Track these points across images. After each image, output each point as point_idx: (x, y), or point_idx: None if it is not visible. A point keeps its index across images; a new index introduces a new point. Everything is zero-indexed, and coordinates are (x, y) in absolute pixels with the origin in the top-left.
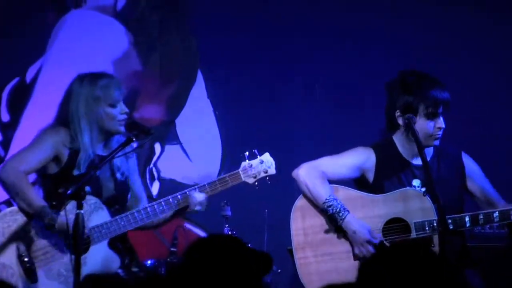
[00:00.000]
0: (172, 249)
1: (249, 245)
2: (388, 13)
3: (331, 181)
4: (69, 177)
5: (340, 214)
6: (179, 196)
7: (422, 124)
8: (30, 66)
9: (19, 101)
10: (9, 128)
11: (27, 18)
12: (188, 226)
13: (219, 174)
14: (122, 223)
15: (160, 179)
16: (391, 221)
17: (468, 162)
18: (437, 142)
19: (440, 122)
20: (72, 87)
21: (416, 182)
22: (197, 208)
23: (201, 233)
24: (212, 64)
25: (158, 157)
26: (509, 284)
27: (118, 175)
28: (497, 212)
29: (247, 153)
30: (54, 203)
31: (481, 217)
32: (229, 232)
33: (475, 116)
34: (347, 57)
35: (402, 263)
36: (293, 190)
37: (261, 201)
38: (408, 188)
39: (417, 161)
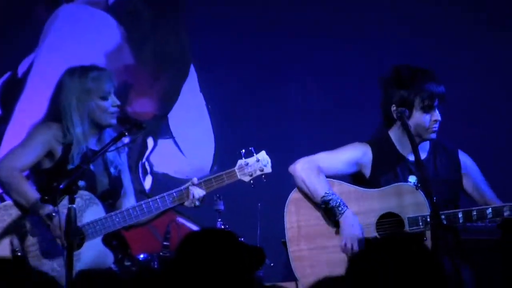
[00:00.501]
0: (165, 243)
1: (242, 239)
2: (386, 10)
3: (327, 176)
4: (63, 171)
5: (340, 209)
6: (174, 194)
7: (418, 118)
8: (22, 61)
9: (11, 96)
10: (1, 123)
11: (19, 13)
12: (181, 220)
13: (211, 168)
14: (117, 219)
15: (153, 173)
16: (385, 215)
17: (465, 160)
18: (433, 135)
19: (436, 115)
20: (63, 81)
21: (412, 178)
22: (197, 203)
23: (194, 227)
24: (204, 58)
25: (151, 152)
26: (499, 277)
27: (111, 170)
28: (490, 209)
29: (243, 150)
30: (46, 197)
31: (474, 213)
32: (222, 226)
33: (474, 115)
34: (344, 53)
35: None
36: (286, 183)
37: (254, 195)
38: (402, 183)
39: (413, 157)
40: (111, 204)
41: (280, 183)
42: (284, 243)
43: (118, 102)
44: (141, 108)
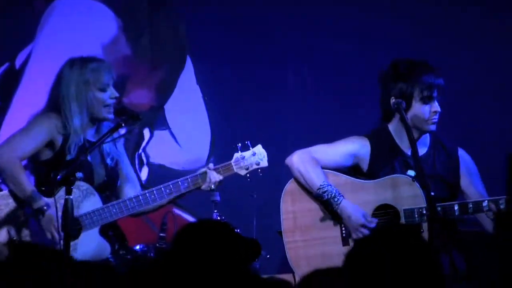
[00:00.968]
0: (161, 234)
1: (238, 230)
2: (383, 6)
3: (324, 169)
4: (61, 163)
5: (335, 199)
6: (170, 185)
7: (418, 109)
8: (19, 52)
9: (8, 87)
10: None
11: (16, 5)
12: (177, 211)
13: (208, 159)
14: (114, 210)
15: (149, 165)
16: (381, 207)
17: (464, 159)
18: (433, 127)
19: (436, 106)
20: (63, 72)
21: (411, 173)
22: (213, 187)
23: (190, 219)
24: (201, 50)
25: (147, 143)
26: (493, 268)
27: (108, 161)
28: (486, 201)
29: (239, 144)
30: (43, 188)
31: (470, 206)
32: (218, 218)
33: (474, 113)
34: (342, 47)
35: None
36: (282, 174)
37: (250, 187)
38: (399, 175)
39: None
40: (108, 196)
41: (276, 174)
42: (280, 233)
43: (116, 94)
44: (138, 99)
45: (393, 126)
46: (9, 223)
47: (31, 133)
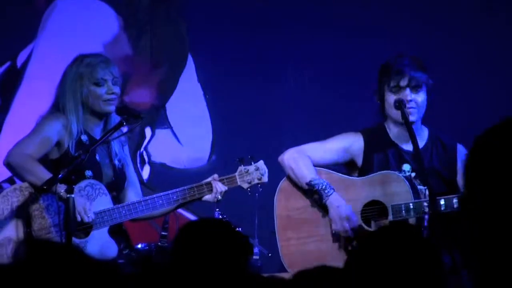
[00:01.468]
0: (163, 233)
1: (240, 229)
2: (383, 4)
3: (317, 166)
4: (64, 161)
5: (326, 191)
6: (178, 192)
7: (388, 99)
8: (21, 51)
9: (10, 86)
10: (0, 112)
11: (17, 3)
12: (179, 210)
13: (209, 158)
14: (124, 212)
15: (151, 163)
16: (370, 203)
17: (462, 155)
18: (412, 117)
19: (406, 95)
20: (65, 70)
21: (406, 167)
22: (220, 197)
23: (192, 217)
24: (202, 48)
25: (149, 141)
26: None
27: (115, 162)
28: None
29: (239, 161)
30: (45, 187)
31: (442, 202)
32: (220, 216)
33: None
34: (342, 47)
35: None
36: (285, 172)
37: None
38: (389, 171)
39: (408, 147)
40: (115, 197)
41: (280, 172)
42: (274, 233)
43: (114, 90)
44: (139, 98)
45: (389, 123)
46: (20, 217)
47: (39, 135)
